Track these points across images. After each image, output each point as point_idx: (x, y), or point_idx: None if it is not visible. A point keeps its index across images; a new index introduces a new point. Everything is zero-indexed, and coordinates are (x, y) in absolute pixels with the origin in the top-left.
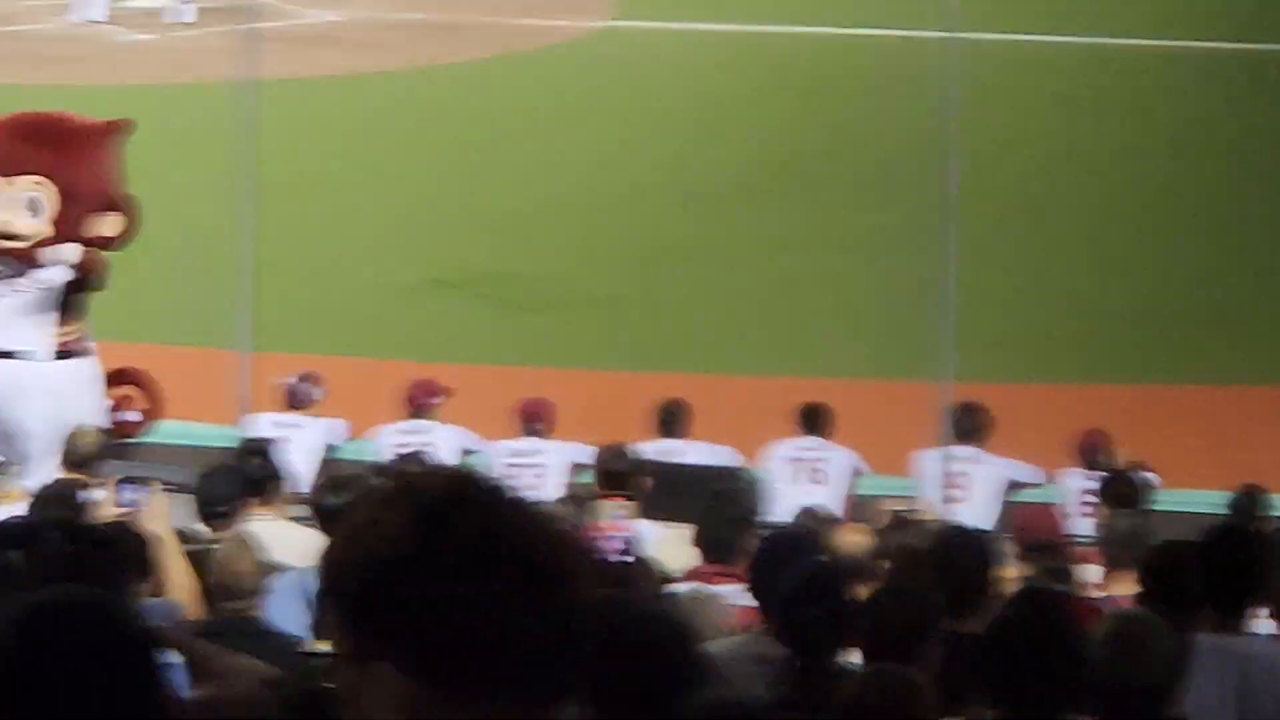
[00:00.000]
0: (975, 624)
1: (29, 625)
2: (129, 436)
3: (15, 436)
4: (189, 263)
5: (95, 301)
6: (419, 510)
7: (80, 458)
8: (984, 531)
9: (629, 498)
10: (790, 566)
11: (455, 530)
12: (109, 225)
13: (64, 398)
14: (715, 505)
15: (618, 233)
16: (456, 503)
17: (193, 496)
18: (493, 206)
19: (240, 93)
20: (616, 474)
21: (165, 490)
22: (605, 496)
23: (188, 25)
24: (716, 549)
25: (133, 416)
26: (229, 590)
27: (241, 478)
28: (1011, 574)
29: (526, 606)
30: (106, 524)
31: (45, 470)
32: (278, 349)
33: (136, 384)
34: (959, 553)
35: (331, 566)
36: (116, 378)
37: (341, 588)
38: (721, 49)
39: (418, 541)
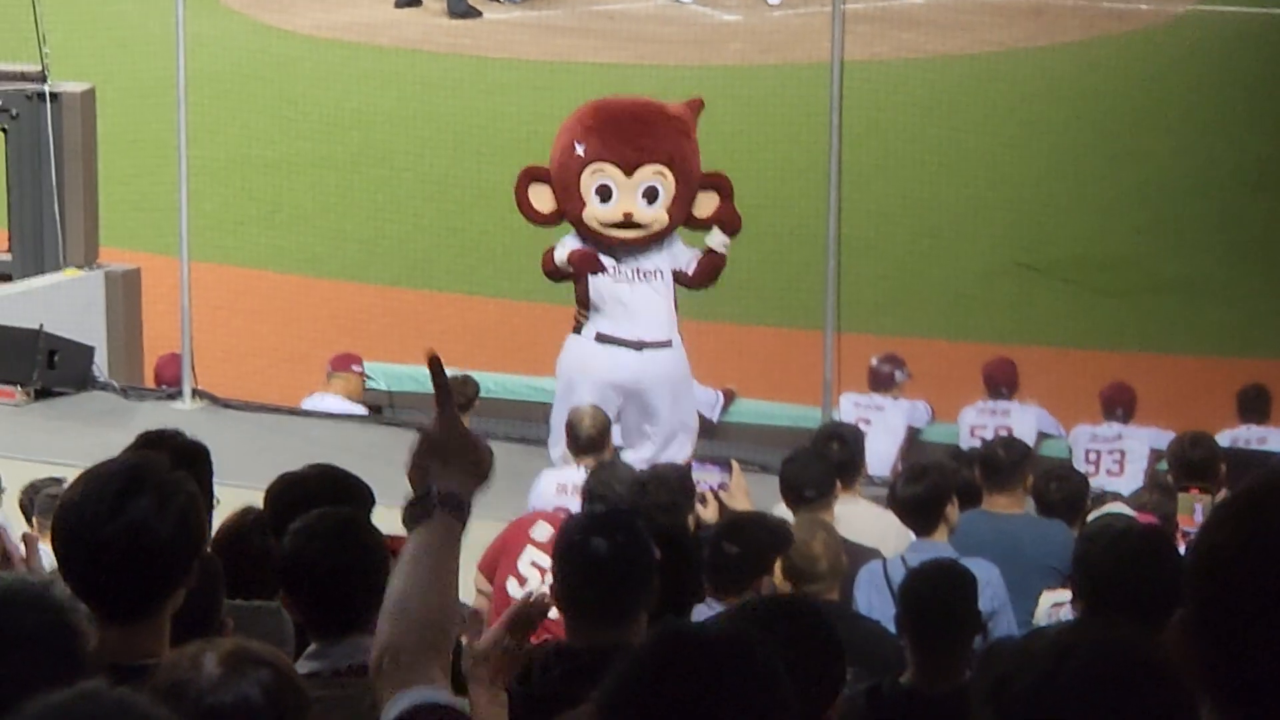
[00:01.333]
0: None
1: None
2: None
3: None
4: (774, 243)
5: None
6: None
7: (585, 440)
8: None
9: (1204, 489)
10: None
11: None
12: (705, 204)
13: (683, 387)
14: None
15: (1198, 218)
16: None
17: (778, 481)
18: (1077, 191)
19: (825, 73)
20: (1192, 463)
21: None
22: (1183, 487)
23: (773, 6)
24: None
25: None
26: (803, 574)
27: (828, 464)
28: None
29: None
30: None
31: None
32: (861, 330)
33: None
34: None
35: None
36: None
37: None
38: None
39: None
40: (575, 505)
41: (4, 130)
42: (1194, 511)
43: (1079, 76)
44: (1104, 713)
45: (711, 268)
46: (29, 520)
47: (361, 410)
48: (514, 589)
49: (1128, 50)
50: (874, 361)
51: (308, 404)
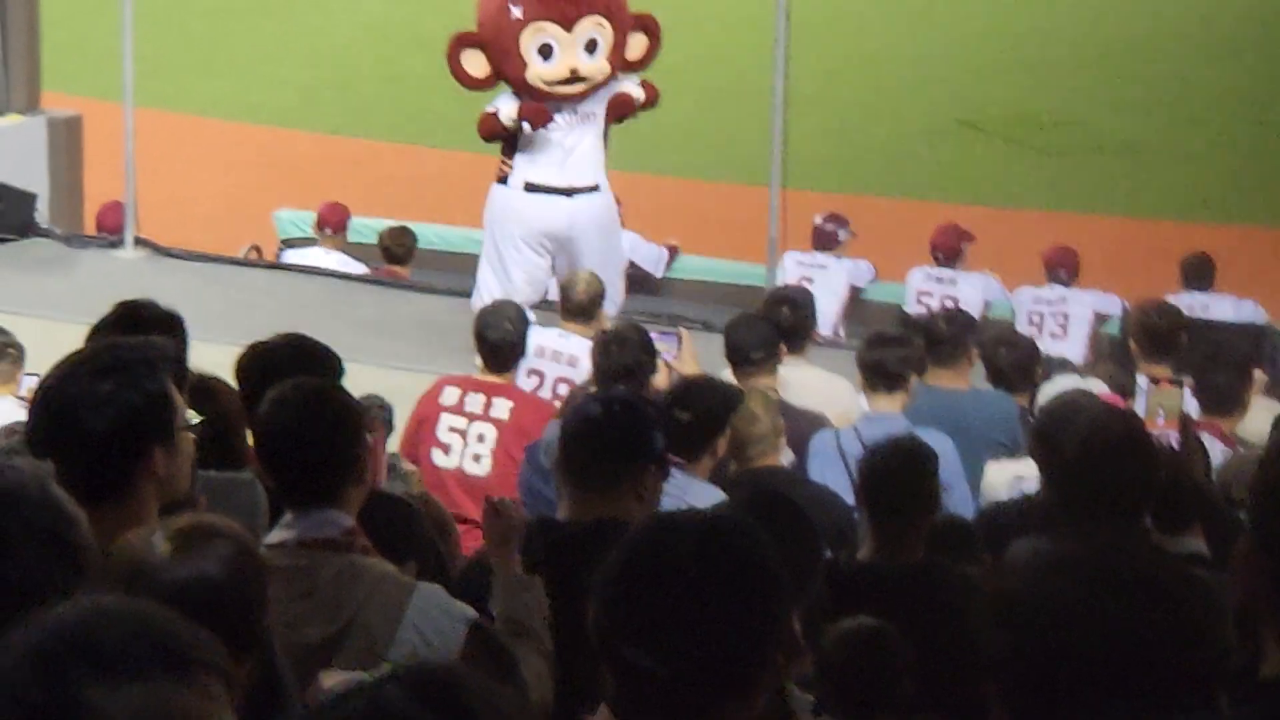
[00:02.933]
0: None
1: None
2: None
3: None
4: (718, 97)
5: (628, 135)
6: None
7: (575, 306)
8: None
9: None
10: None
11: None
12: (635, 46)
13: (612, 231)
14: (1215, 355)
15: (1144, 79)
16: None
17: (725, 343)
18: (1022, 49)
19: None
20: (1158, 331)
21: (689, 326)
22: (1153, 378)
23: None
24: (1217, 399)
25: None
26: (743, 438)
27: (772, 326)
28: None
29: None
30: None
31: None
32: (805, 186)
33: None
34: None
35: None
36: None
37: None
38: None
39: None
40: (553, 369)
41: None
42: (1158, 414)
43: None
44: (1118, 624)
45: (620, 105)
46: None
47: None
48: (440, 459)
49: None
50: (818, 220)
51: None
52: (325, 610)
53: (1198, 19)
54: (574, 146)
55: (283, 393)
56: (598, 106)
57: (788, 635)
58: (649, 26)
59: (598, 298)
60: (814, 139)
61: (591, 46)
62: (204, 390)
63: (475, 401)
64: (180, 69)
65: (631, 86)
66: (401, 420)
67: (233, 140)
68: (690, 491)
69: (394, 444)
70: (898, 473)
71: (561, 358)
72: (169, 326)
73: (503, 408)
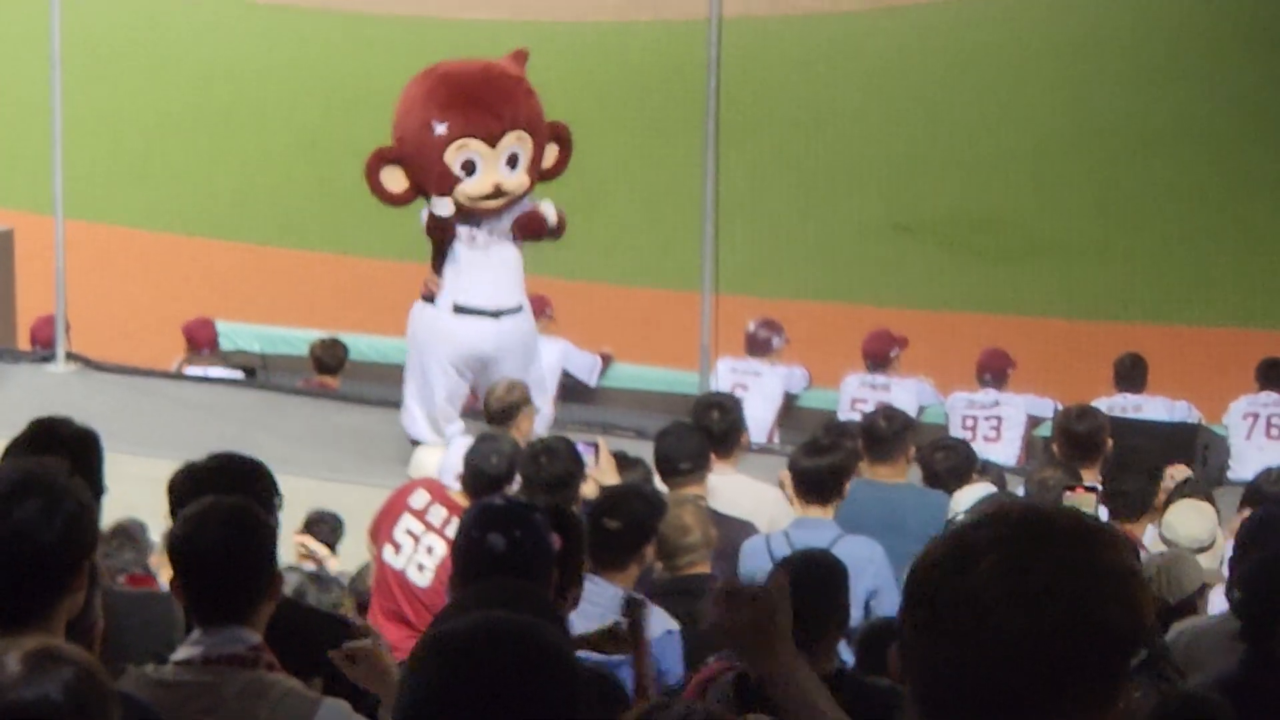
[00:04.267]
0: None
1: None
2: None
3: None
4: (650, 202)
5: (560, 241)
6: None
7: (494, 412)
8: None
9: (1088, 488)
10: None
11: None
12: (549, 156)
13: (533, 349)
14: (1125, 461)
15: (1075, 179)
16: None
17: (655, 453)
18: (953, 151)
19: (701, 30)
20: (1078, 436)
21: (622, 435)
22: (1067, 458)
23: None
24: (1125, 505)
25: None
26: (674, 547)
27: (702, 435)
28: None
29: None
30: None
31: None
32: (737, 291)
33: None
34: None
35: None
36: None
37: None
38: None
39: None
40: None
41: None
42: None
43: (954, 34)
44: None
45: (533, 224)
46: None
47: (235, 374)
48: (389, 556)
49: (1003, 9)
50: (751, 326)
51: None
52: None
53: (1125, 118)
54: (495, 266)
55: (196, 510)
56: (510, 220)
57: None
58: (562, 136)
59: (519, 402)
60: (745, 244)
61: (513, 160)
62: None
63: (438, 514)
64: (112, 180)
65: (547, 208)
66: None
67: (165, 252)
68: (607, 598)
69: (350, 550)
70: (809, 587)
71: None
72: (84, 443)
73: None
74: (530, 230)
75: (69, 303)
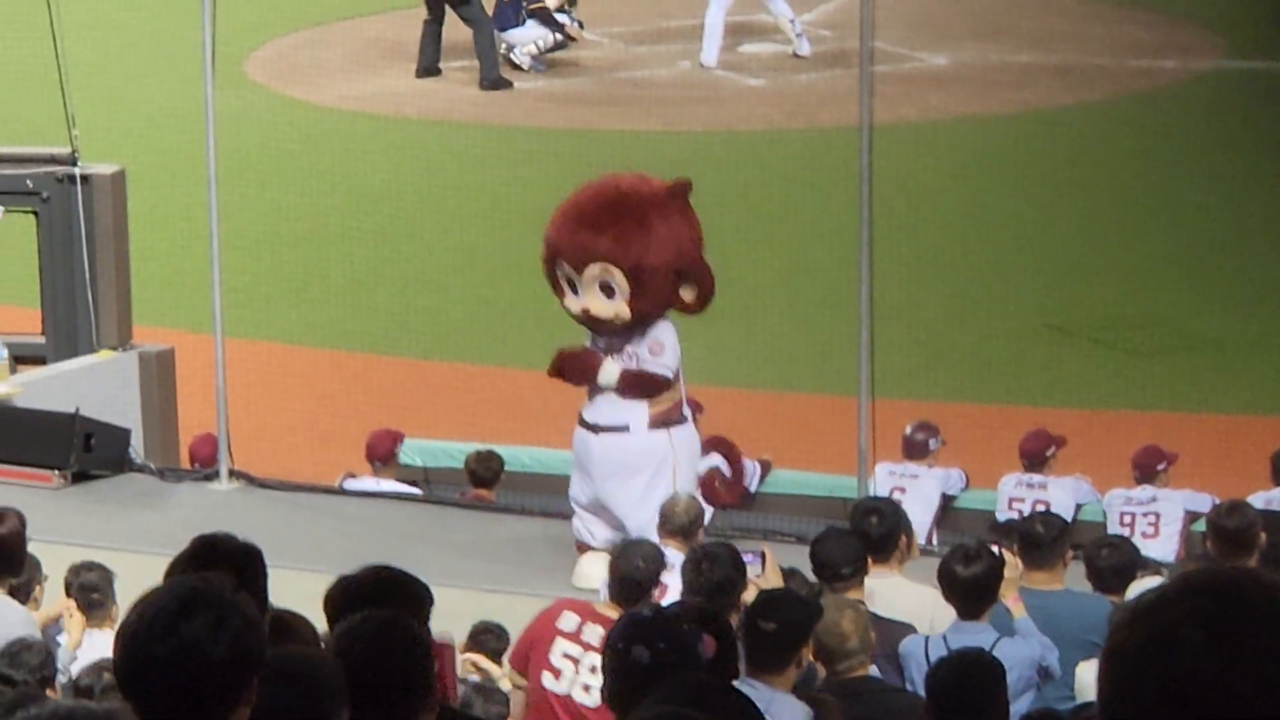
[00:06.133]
0: None
1: None
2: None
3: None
4: (806, 309)
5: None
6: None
7: (676, 527)
8: None
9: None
10: None
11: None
12: (687, 293)
13: (661, 470)
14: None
15: (1230, 275)
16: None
17: (811, 560)
18: (1105, 251)
19: (852, 137)
20: (1229, 531)
21: (783, 541)
22: (1221, 555)
23: (799, 70)
24: None
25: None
26: (833, 652)
27: (859, 539)
28: None
29: None
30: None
31: None
32: (894, 395)
33: (727, 455)
34: None
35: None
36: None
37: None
38: None
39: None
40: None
41: (35, 213)
42: None
43: (1106, 136)
44: None
45: (636, 380)
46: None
47: (406, 489)
48: (549, 682)
49: (1154, 108)
50: (908, 430)
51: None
52: None
53: (1276, 213)
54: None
55: (352, 624)
56: (639, 349)
57: None
58: (700, 279)
59: (699, 519)
60: (901, 348)
61: (608, 290)
62: (281, 625)
63: (593, 633)
64: (272, 298)
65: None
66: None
67: (325, 367)
68: (775, 703)
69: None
70: (964, 686)
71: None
72: (246, 559)
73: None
74: (630, 385)
75: (229, 420)
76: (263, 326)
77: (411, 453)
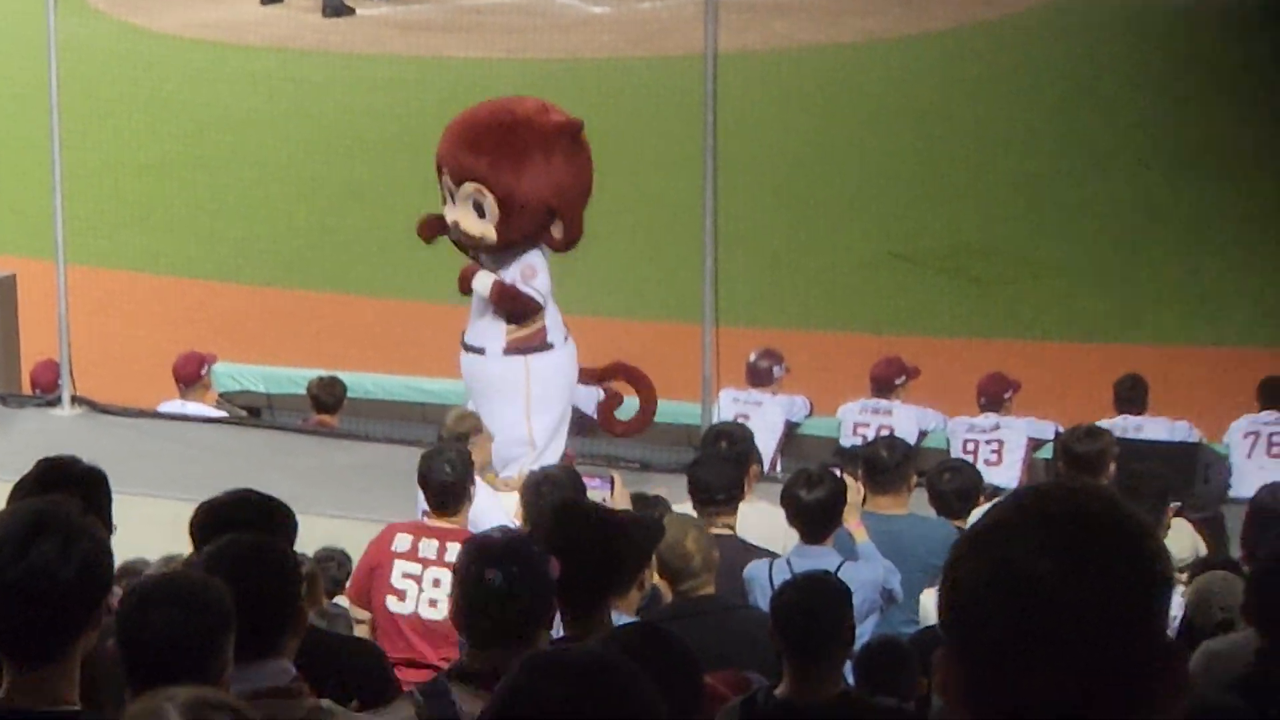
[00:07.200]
0: None
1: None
2: (618, 434)
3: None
4: (650, 237)
5: (557, 276)
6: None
7: (452, 436)
8: None
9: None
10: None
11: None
12: (556, 230)
13: (511, 396)
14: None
15: (1072, 205)
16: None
17: (690, 484)
18: (950, 180)
19: (697, 65)
20: (1084, 456)
21: (628, 467)
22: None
23: None
24: None
25: (621, 418)
26: (678, 571)
27: (736, 465)
28: None
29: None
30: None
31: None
32: (739, 324)
33: (630, 380)
34: None
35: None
36: (608, 373)
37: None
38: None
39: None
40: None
41: None
42: None
43: (950, 65)
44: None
45: (508, 293)
46: None
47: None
48: (394, 605)
49: (996, 38)
50: (752, 357)
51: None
52: None
53: (1122, 143)
54: (477, 303)
55: (219, 547)
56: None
57: None
58: (565, 215)
59: (468, 433)
60: (747, 276)
61: (479, 209)
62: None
63: (429, 547)
64: (115, 226)
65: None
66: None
67: (168, 295)
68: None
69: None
70: (808, 609)
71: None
72: (91, 483)
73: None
74: (495, 299)
75: (72, 346)
76: (106, 254)
77: (255, 379)
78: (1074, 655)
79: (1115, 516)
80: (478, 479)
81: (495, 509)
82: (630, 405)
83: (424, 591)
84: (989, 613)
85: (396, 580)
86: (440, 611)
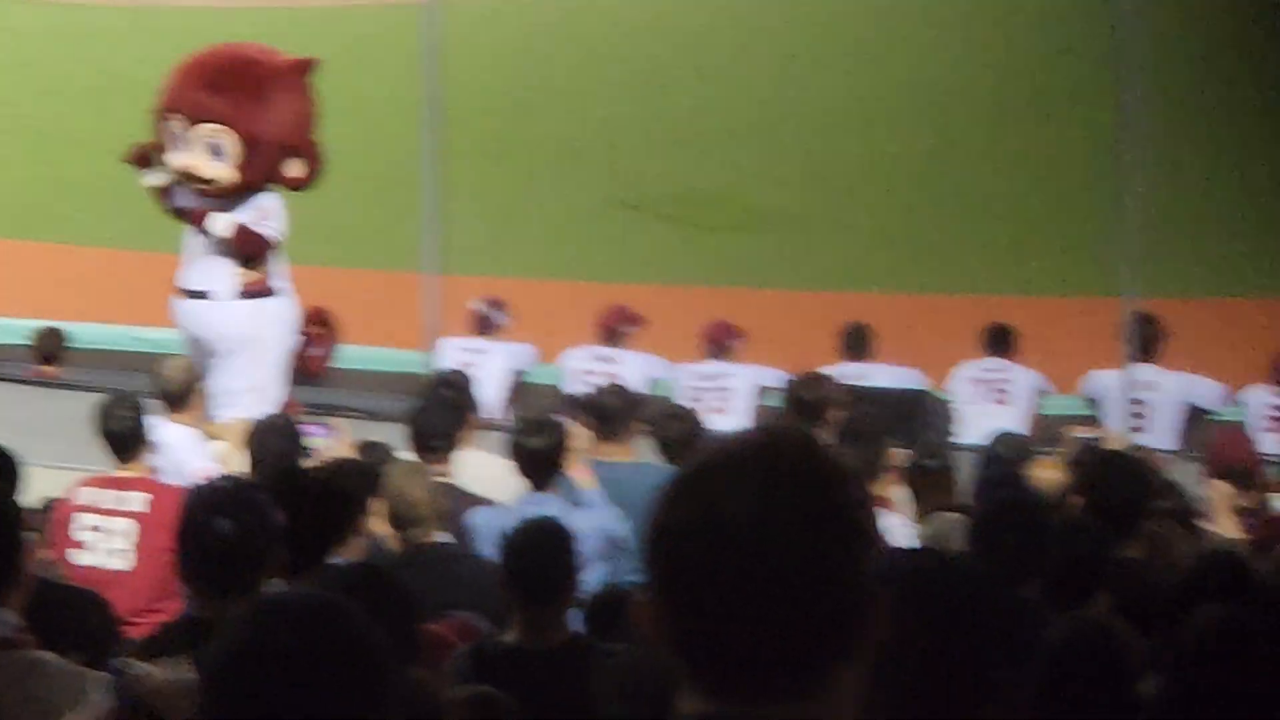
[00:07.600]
0: (1134, 550)
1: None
2: (313, 374)
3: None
4: (373, 185)
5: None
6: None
7: (170, 392)
8: (1136, 456)
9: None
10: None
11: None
12: (294, 168)
13: (240, 340)
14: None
15: (797, 153)
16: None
17: (408, 430)
18: (675, 127)
19: (419, 13)
20: (810, 403)
21: (353, 417)
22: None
23: None
24: None
25: (315, 352)
26: (404, 519)
27: (456, 412)
28: (1219, 496)
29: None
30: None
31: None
32: (464, 272)
33: (323, 322)
34: (1115, 478)
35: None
36: (309, 317)
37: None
38: None
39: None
40: None
41: None
42: None
43: (672, 12)
44: None
45: (249, 235)
46: None
47: None
48: (74, 557)
49: None
50: (475, 305)
51: None
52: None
53: (846, 92)
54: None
55: None
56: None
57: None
58: (308, 153)
59: (190, 385)
60: (470, 224)
61: (216, 150)
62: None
63: (109, 497)
64: None
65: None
66: None
67: None
68: None
69: None
70: (535, 555)
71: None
72: None
73: (138, 500)
74: (236, 244)
75: None
76: None
77: None
78: (771, 599)
79: (811, 462)
80: (187, 426)
81: (201, 456)
82: (346, 351)
83: (109, 542)
84: (689, 556)
85: (77, 533)
86: (126, 560)
